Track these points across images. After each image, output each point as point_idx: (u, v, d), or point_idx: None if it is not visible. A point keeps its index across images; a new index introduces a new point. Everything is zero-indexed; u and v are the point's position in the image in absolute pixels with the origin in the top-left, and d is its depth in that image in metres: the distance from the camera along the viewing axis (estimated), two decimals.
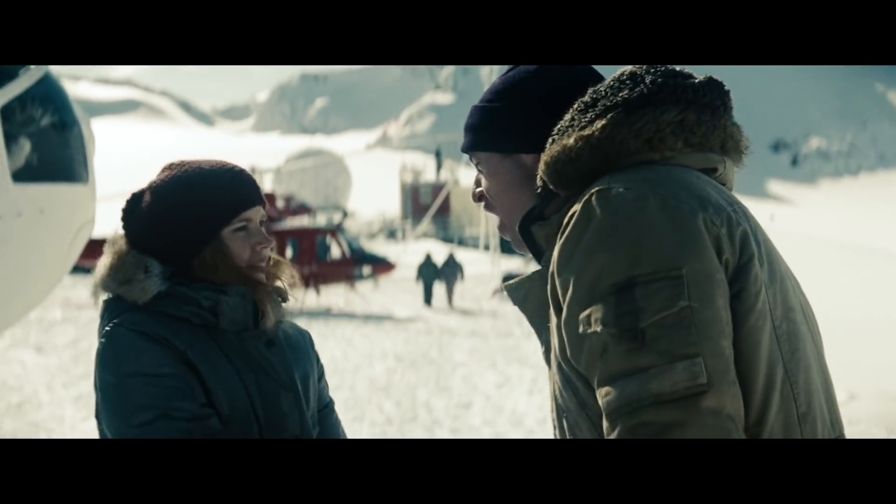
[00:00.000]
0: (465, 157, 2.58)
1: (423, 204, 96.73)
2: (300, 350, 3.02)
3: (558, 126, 2.29)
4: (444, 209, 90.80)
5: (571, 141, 2.22)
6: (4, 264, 9.35)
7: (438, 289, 37.46)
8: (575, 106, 2.29)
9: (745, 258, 2.09)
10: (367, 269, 38.54)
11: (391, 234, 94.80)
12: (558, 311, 2.16)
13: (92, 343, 20.59)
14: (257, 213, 2.89)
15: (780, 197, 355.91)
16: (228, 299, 2.79)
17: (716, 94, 2.27)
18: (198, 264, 2.84)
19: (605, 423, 2.01)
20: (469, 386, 16.98)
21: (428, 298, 36.59)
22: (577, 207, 2.13)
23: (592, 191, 2.12)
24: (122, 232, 2.93)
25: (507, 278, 46.52)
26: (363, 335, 25.50)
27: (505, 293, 2.51)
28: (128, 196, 2.92)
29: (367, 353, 21.59)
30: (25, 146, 9.69)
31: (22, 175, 9.56)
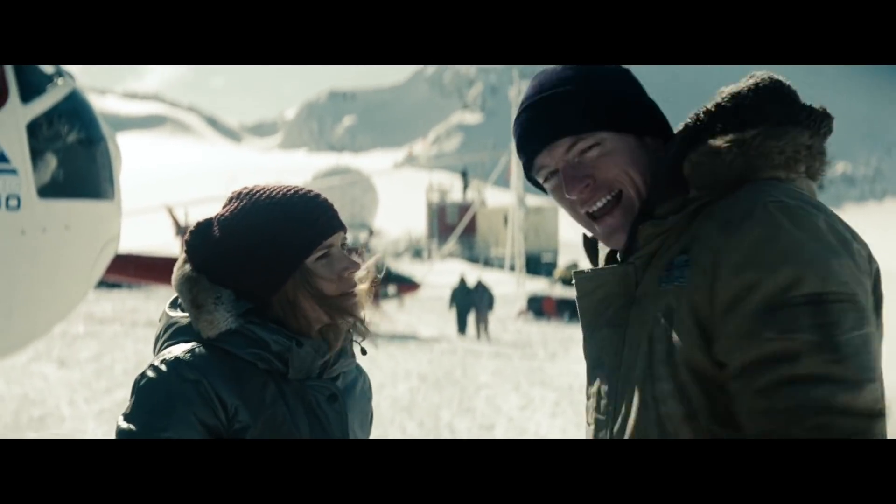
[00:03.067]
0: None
1: (450, 223, 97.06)
2: (359, 398, 2.87)
3: (693, 127, 2.31)
4: (470, 229, 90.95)
5: (722, 144, 2.22)
6: (30, 279, 9.36)
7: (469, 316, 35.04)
8: (710, 107, 2.30)
9: (878, 295, 2.16)
10: (392, 289, 38.57)
11: (417, 254, 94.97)
12: (696, 317, 2.13)
13: (115, 358, 20.66)
14: (338, 238, 2.69)
15: None
16: (301, 350, 2.61)
17: (830, 126, 2.30)
18: (277, 301, 2.65)
19: (766, 419, 2.00)
20: (492, 407, 16.92)
21: (462, 327, 34.58)
22: (754, 211, 2.09)
23: (767, 201, 2.10)
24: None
25: (532, 299, 46.14)
26: (388, 354, 25.48)
27: (574, 280, 2.47)
28: (192, 227, 2.73)
29: (391, 372, 21.57)
30: (52, 162, 9.70)
31: (48, 191, 9.58)
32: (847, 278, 2.02)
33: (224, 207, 2.72)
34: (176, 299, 2.71)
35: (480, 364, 24.35)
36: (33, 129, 9.52)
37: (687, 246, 2.19)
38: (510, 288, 54.60)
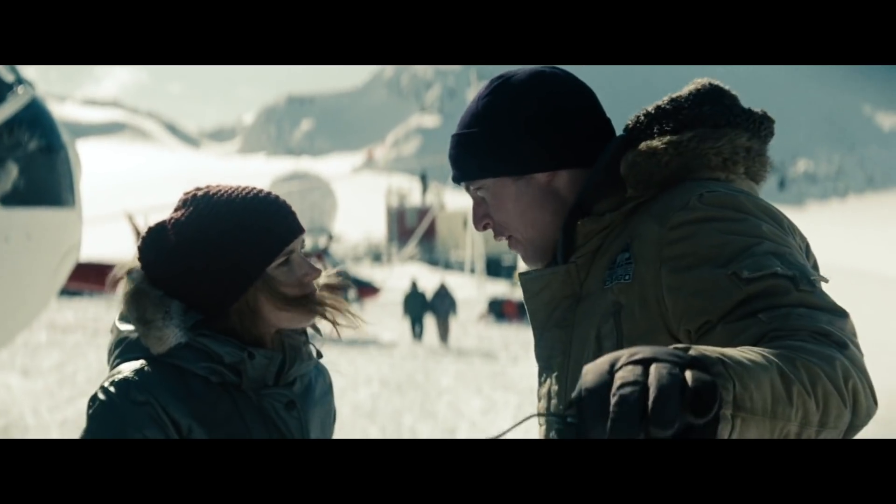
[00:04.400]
0: (451, 180, 2.54)
1: (409, 227, 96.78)
2: (319, 400, 2.76)
3: (632, 128, 2.35)
4: (430, 233, 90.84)
5: (659, 145, 2.26)
6: None
7: (428, 321, 33.09)
8: (650, 110, 2.34)
9: None
10: (352, 293, 38.50)
11: (377, 258, 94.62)
12: (644, 306, 2.15)
13: (77, 367, 20.53)
14: (298, 243, 2.58)
15: None
16: (254, 361, 2.52)
17: (770, 129, 2.35)
18: (235, 310, 2.54)
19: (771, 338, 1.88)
20: (454, 411, 16.93)
21: (418, 332, 32.45)
22: (688, 202, 2.13)
23: (703, 192, 2.14)
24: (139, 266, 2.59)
25: (493, 302, 45.77)
26: (348, 360, 25.40)
27: (518, 284, 2.49)
28: (144, 232, 2.59)
29: (352, 378, 21.48)
30: (13, 170, 9.68)
31: (9, 199, 9.56)
32: (793, 245, 2.08)
33: (178, 211, 2.58)
34: (121, 316, 2.60)
35: (442, 368, 24.31)
36: None
37: (628, 243, 2.21)
38: (471, 291, 54.56)
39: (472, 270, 63.90)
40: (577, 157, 2.39)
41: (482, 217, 2.46)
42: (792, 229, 2.17)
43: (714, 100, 2.31)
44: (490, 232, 2.48)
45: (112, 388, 2.42)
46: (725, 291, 1.99)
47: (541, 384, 2.42)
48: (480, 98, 2.44)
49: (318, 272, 2.61)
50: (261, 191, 2.61)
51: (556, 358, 2.36)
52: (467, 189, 2.50)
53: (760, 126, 2.32)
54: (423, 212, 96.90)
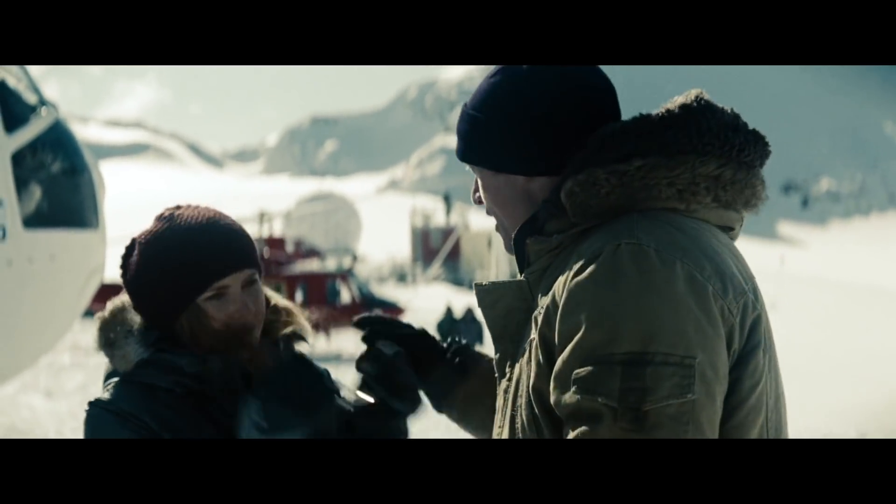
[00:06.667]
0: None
1: (434, 247, 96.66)
2: (302, 401, 2.60)
3: (590, 147, 2.19)
4: (455, 253, 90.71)
5: (603, 175, 2.13)
6: (16, 310, 9.36)
7: None
8: (608, 130, 2.19)
9: (750, 347, 2.05)
10: (377, 314, 38.28)
11: (401, 278, 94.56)
12: (546, 348, 2.09)
13: (100, 389, 20.55)
14: (237, 279, 2.59)
15: (790, 239, 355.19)
16: (212, 366, 2.55)
17: (758, 153, 2.21)
18: (179, 330, 2.61)
19: None
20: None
21: None
22: (603, 251, 2.03)
23: (622, 241, 2.02)
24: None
25: (468, 312, 45.81)
26: None
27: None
28: (127, 243, 2.70)
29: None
30: (36, 192, 9.71)
31: (33, 221, 9.58)
32: (685, 337, 1.94)
33: (148, 227, 2.68)
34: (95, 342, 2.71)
35: None
36: (17, 159, 9.53)
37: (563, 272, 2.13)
38: None
39: None
40: (552, 167, 2.29)
41: (475, 192, 2.45)
42: (723, 290, 2.02)
43: (685, 122, 2.16)
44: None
45: (91, 406, 2.57)
46: (561, 395, 1.99)
47: (498, 395, 2.37)
48: (489, 79, 2.39)
49: (251, 312, 2.61)
50: (215, 220, 2.65)
51: (506, 372, 2.30)
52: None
53: (740, 152, 2.17)
54: (447, 232, 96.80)
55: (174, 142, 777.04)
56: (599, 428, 1.92)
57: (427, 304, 47.04)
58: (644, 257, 1.99)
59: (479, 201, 2.46)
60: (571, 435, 1.97)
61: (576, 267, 2.05)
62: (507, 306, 2.30)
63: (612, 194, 2.13)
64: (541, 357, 2.10)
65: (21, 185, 9.49)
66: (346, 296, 37.37)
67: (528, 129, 2.29)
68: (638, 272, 1.98)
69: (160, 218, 2.66)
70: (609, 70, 2.41)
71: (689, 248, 2.04)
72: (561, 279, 2.08)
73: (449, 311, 32.51)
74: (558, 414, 2.02)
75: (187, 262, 2.57)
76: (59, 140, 10.29)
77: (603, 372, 1.94)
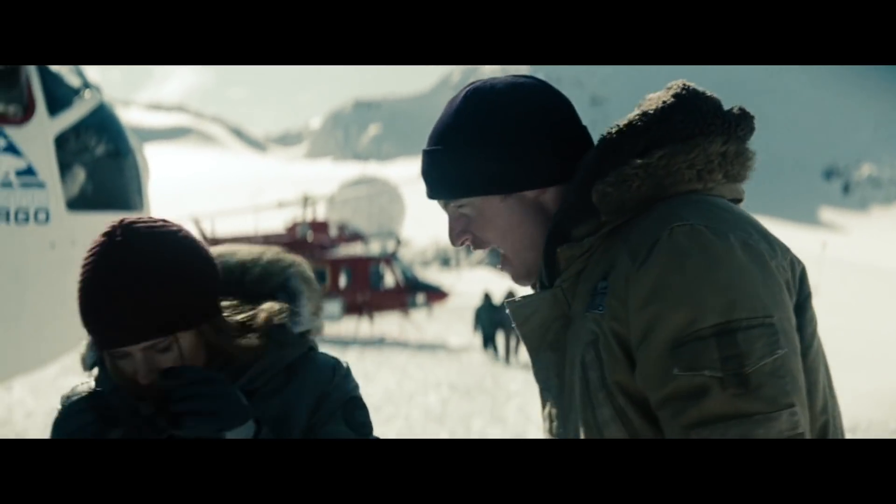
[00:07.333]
0: (426, 197, 2.46)
1: None
2: (284, 405, 2.45)
3: (603, 148, 2.27)
4: None
5: (630, 169, 2.21)
6: (59, 292, 9.35)
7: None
8: (622, 128, 2.27)
9: (803, 297, 2.17)
10: (421, 298, 38.46)
11: (445, 262, 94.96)
12: (620, 342, 2.14)
13: None
14: (136, 347, 2.30)
15: (831, 225, 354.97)
16: (112, 402, 2.47)
17: (748, 127, 2.31)
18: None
19: None
20: (523, 416, 16.87)
21: (487, 344, 30.56)
22: (659, 238, 2.09)
23: (674, 225, 2.09)
24: None
25: (510, 296, 46.34)
26: (417, 364, 25.44)
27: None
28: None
29: (422, 382, 21.52)
30: (80, 175, 9.71)
31: (77, 203, 9.58)
32: (760, 300, 2.04)
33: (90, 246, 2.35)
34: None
35: (510, 373, 24.28)
36: (61, 142, 9.54)
37: (607, 271, 2.19)
38: None
39: None
40: (564, 172, 2.35)
41: (461, 233, 2.44)
42: (772, 250, 2.14)
43: (686, 108, 2.26)
44: None
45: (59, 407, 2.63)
46: (660, 381, 2.05)
47: (543, 406, 2.45)
48: (458, 112, 2.37)
49: (153, 376, 2.31)
50: (132, 276, 2.28)
51: (552, 380, 2.37)
52: (444, 206, 2.45)
53: (736, 127, 2.28)
54: None
55: (216, 125, 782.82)
56: (707, 401, 1.99)
57: (471, 287, 47.19)
58: (699, 235, 2.07)
59: (466, 243, 2.45)
60: (680, 419, 2.03)
61: (635, 260, 2.11)
62: (543, 317, 2.35)
63: (642, 186, 2.21)
64: (616, 352, 2.15)
65: (64, 168, 9.50)
66: (389, 280, 37.49)
67: (538, 139, 2.34)
68: (699, 250, 2.06)
69: (92, 248, 2.33)
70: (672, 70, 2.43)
71: (731, 220, 2.14)
72: (619, 276, 2.14)
73: (487, 297, 31.72)
74: (654, 400, 2.08)
75: (86, 322, 2.31)
76: (102, 123, 10.30)
77: (698, 348, 2.01)
